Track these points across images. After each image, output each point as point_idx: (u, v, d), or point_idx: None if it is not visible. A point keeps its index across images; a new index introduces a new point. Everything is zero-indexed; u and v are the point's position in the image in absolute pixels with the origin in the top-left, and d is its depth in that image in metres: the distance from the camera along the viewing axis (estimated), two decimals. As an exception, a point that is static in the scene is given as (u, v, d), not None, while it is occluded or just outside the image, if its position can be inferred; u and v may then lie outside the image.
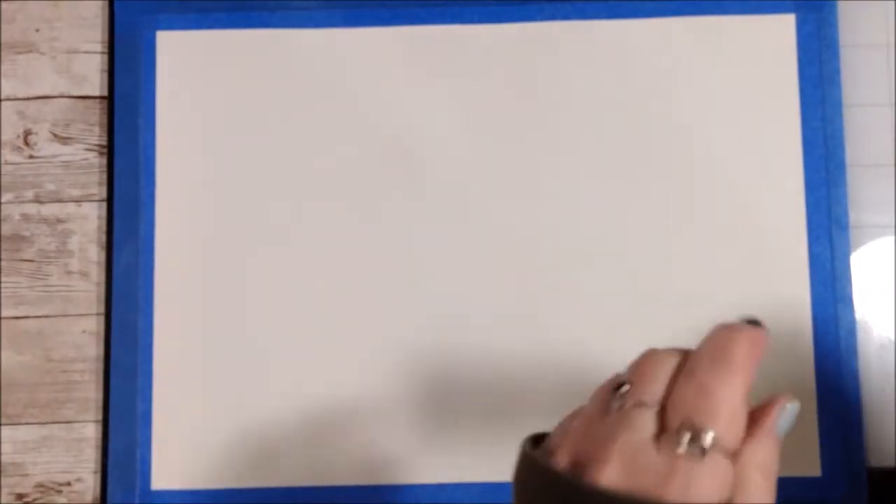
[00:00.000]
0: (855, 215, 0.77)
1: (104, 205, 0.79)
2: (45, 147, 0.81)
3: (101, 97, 0.81)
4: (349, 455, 0.75)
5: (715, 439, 0.31)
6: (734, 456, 0.32)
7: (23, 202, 0.80)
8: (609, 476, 0.31)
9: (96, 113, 0.81)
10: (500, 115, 0.78)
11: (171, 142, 0.79)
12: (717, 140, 0.78)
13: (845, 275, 0.75)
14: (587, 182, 0.77)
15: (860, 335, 0.76)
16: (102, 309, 0.79)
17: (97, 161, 0.81)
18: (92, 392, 0.78)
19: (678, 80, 0.78)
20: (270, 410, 0.76)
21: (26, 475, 0.78)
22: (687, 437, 0.31)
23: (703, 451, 0.31)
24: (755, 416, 0.33)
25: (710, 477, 0.31)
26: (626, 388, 0.35)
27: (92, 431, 0.78)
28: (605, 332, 0.75)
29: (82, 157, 0.81)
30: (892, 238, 0.77)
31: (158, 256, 0.77)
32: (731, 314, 0.77)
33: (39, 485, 0.78)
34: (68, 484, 0.78)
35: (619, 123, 0.78)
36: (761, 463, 0.32)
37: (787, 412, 0.34)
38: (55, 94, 0.82)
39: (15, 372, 0.79)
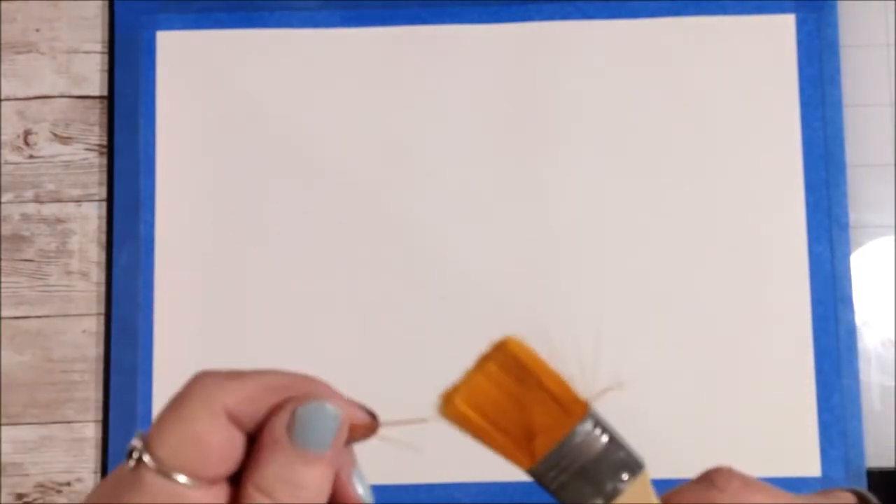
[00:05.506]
0: (855, 215, 0.77)
1: (104, 205, 0.79)
2: (45, 147, 0.81)
3: (101, 97, 0.81)
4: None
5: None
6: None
7: (23, 202, 0.80)
8: None
9: (96, 113, 0.81)
10: (500, 113, 0.78)
11: (171, 142, 0.79)
12: (717, 140, 0.77)
13: (845, 275, 0.75)
14: (586, 180, 0.77)
15: (860, 335, 0.76)
16: (102, 309, 0.78)
17: (97, 161, 0.81)
18: (92, 392, 0.78)
19: (678, 80, 0.78)
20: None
21: (26, 475, 0.78)
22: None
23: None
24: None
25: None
26: None
27: (92, 431, 0.78)
28: (606, 330, 0.75)
29: (82, 156, 0.81)
30: (892, 238, 0.77)
31: (158, 256, 0.77)
32: (732, 313, 0.77)
33: (39, 485, 0.78)
34: (68, 484, 0.78)
35: (618, 123, 0.78)
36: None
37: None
38: (55, 94, 0.82)
39: (15, 372, 0.79)
